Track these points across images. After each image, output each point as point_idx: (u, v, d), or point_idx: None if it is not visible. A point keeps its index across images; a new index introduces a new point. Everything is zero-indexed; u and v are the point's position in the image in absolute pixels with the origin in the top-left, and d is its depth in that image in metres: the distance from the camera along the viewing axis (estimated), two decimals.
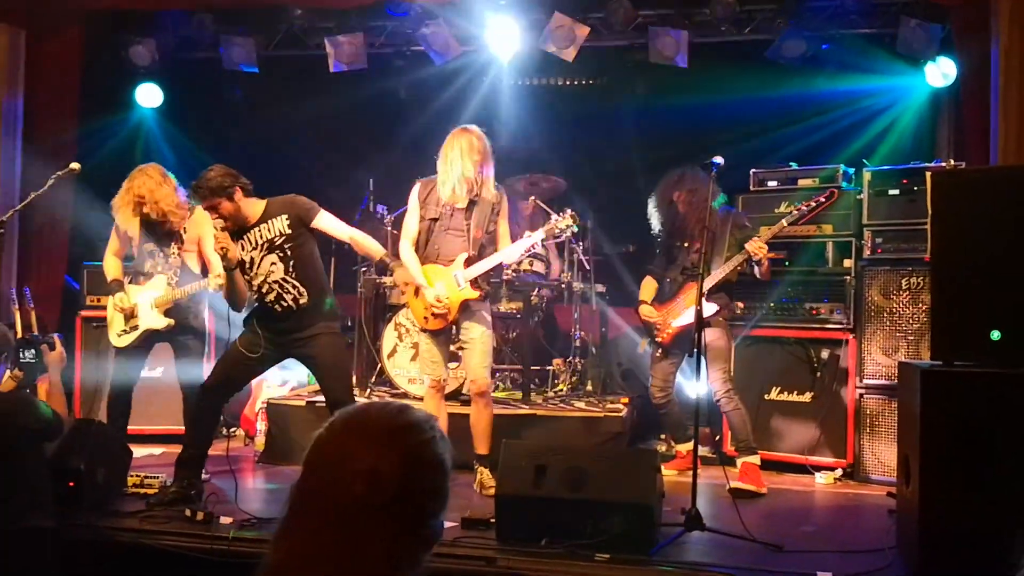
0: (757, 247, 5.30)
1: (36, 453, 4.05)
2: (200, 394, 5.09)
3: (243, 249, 4.95)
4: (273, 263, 4.91)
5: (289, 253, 4.90)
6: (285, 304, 4.92)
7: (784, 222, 5.35)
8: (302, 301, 4.93)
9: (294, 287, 4.91)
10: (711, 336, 5.44)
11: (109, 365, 5.99)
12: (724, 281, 5.56)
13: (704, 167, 5.03)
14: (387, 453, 1.49)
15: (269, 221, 4.94)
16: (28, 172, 7.23)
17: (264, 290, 4.94)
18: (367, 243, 5.08)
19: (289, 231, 4.91)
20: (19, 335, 6.05)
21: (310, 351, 5.00)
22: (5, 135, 7.39)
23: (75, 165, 5.48)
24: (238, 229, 4.95)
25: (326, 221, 5.00)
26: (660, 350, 5.78)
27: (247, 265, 4.96)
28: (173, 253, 5.63)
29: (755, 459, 5.51)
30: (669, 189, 5.70)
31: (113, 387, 5.75)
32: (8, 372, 4.24)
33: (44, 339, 4.48)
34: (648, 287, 5.87)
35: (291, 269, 4.91)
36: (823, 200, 5.32)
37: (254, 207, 4.97)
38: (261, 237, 4.94)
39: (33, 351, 4.42)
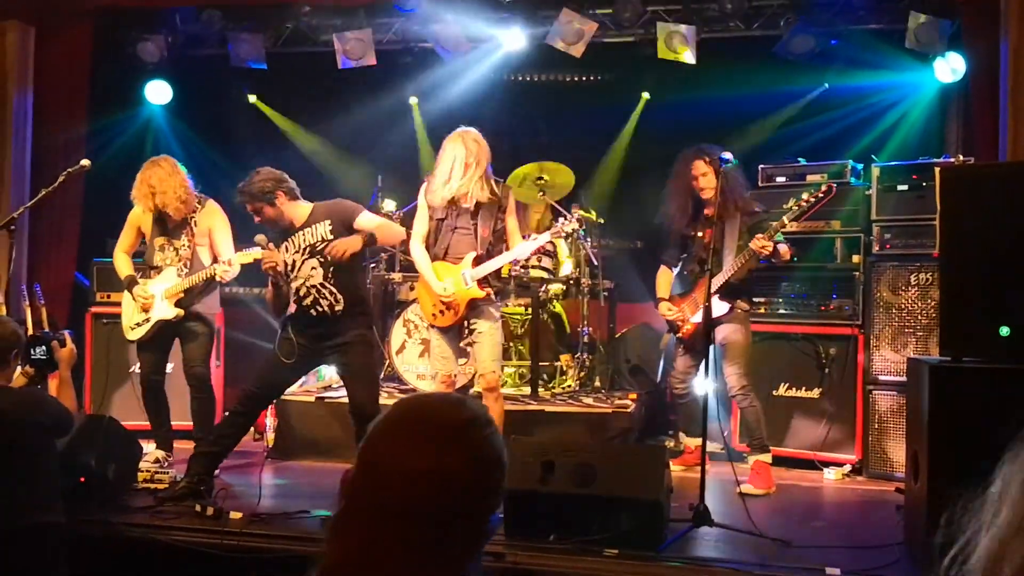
0: (760, 245, 5.25)
1: (47, 449, 4.07)
2: (240, 399, 5.13)
3: (286, 251, 5.02)
4: (313, 267, 4.96)
5: (329, 259, 4.92)
6: (321, 309, 4.97)
7: (785, 219, 5.31)
8: (337, 308, 4.96)
9: (331, 293, 4.95)
10: (729, 332, 5.43)
11: (135, 363, 6.06)
12: (743, 275, 5.49)
13: (713, 163, 5.03)
14: (451, 451, 1.44)
15: (313, 226, 5.01)
16: (38, 169, 7.27)
17: (302, 293, 4.99)
18: (392, 230, 5.19)
19: (331, 236, 4.95)
20: (29, 331, 6.09)
21: (343, 358, 5.06)
22: (15, 132, 7.42)
23: (85, 162, 5.51)
24: (283, 231, 5.02)
25: (366, 219, 5.06)
26: (682, 345, 5.77)
27: (289, 267, 5.02)
28: (184, 246, 5.67)
29: (767, 457, 5.50)
30: (687, 164, 5.56)
31: (144, 385, 5.81)
32: (19, 368, 4.26)
33: (55, 336, 4.49)
34: (663, 279, 5.82)
35: (330, 275, 4.95)
36: (822, 195, 5.26)
37: (299, 210, 5.05)
38: (304, 241, 5.01)
39: (44, 348, 4.43)
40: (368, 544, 1.41)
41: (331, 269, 4.93)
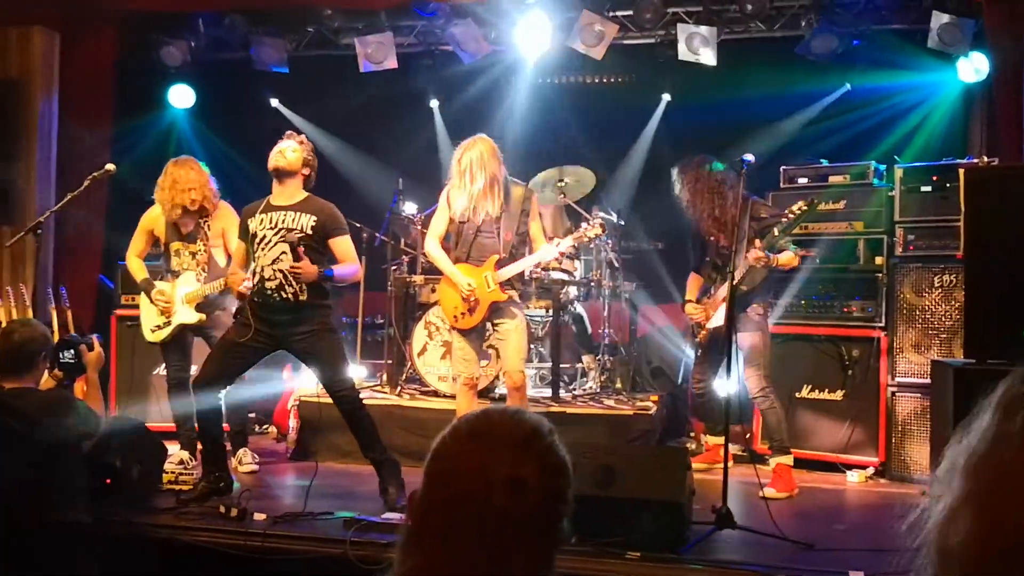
0: (755, 258, 5.17)
1: (74, 450, 4.11)
2: (193, 391, 5.09)
3: (261, 224, 4.96)
4: (284, 252, 4.88)
5: (301, 252, 4.88)
6: (284, 296, 4.91)
7: (776, 230, 5.24)
8: (301, 297, 4.91)
9: (297, 282, 4.90)
10: (745, 337, 5.41)
11: (159, 365, 6.10)
12: (755, 281, 5.45)
13: (734, 165, 5.01)
14: (524, 460, 1.44)
15: (299, 213, 4.96)
16: (63, 173, 7.35)
17: (267, 275, 4.91)
18: (351, 270, 5.08)
19: (310, 232, 4.92)
20: (56, 334, 6.17)
21: (307, 347, 5.00)
22: (40, 136, 7.51)
23: (110, 166, 5.55)
24: (266, 204, 4.99)
25: (343, 246, 5.03)
26: (699, 348, 5.78)
27: (258, 239, 4.96)
28: (199, 249, 5.73)
29: (788, 459, 5.48)
30: (680, 179, 5.66)
31: (169, 385, 5.86)
32: (48, 372, 4.32)
33: (83, 340, 4.54)
34: (693, 285, 5.84)
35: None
36: (805, 208, 5.16)
37: (298, 193, 5.03)
38: (284, 222, 4.94)
39: (73, 351, 4.49)
40: (446, 559, 1.41)
41: (299, 261, 4.85)
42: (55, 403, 4.08)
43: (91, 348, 4.48)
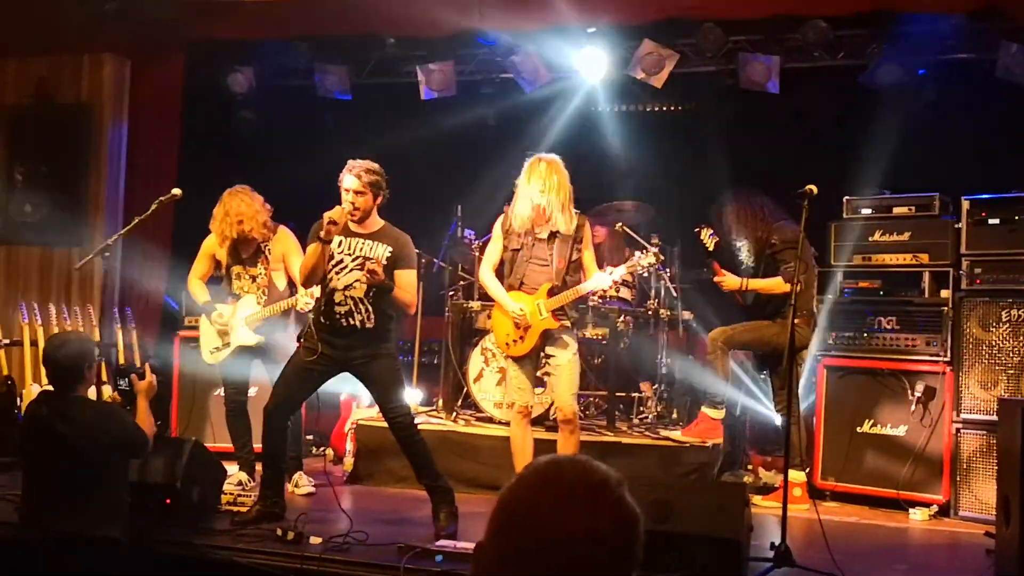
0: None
1: (116, 464, 4.27)
2: (264, 417, 5.13)
3: (339, 246, 5.02)
4: (358, 280, 4.95)
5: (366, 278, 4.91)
6: (352, 322, 4.97)
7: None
8: (368, 324, 4.97)
9: (367, 310, 4.95)
10: None
11: (220, 387, 6.21)
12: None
13: (799, 196, 4.93)
14: (598, 512, 1.42)
15: (376, 242, 5.01)
16: (131, 196, 7.53)
17: (337, 300, 4.96)
18: (409, 300, 5.10)
19: (385, 263, 4.97)
20: (121, 355, 6.32)
21: (368, 371, 5.05)
22: (110, 161, 7.72)
23: (176, 191, 5.64)
24: (346, 227, 5.01)
25: (407, 279, 5.06)
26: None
27: (333, 262, 5.01)
28: (260, 273, 5.83)
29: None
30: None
31: (227, 406, 5.95)
32: (110, 391, 4.49)
33: (136, 369, 4.71)
34: None
35: (371, 293, 4.96)
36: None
37: (376, 220, 5.08)
38: (360, 250, 5.00)
39: (126, 380, 4.69)
40: None
41: (374, 289, 4.91)
42: (103, 413, 4.32)
43: (142, 377, 4.63)
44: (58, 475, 4.08)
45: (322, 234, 4.85)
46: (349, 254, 5.01)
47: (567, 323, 5.27)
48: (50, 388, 4.30)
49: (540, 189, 5.11)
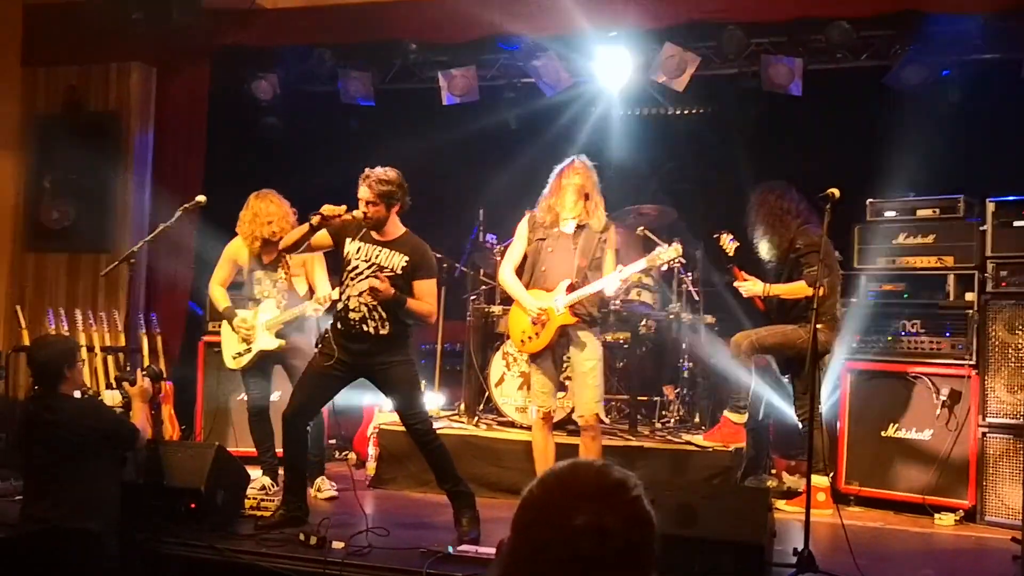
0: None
1: (103, 458, 4.45)
2: (283, 423, 5.18)
3: (357, 252, 5.03)
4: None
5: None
6: (366, 328, 4.98)
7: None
8: (383, 331, 4.98)
9: (381, 317, 4.96)
10: None
11: (240, 391, 6.28)
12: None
13: (821, 199, 4.91)
14: (609, 510, 1.47)
15: (394, 251, 5.01)
16: (156, 203, 7.60)
17: (352, 306, 4.98)
18: (427, 311, 5.05)
19: (400, 272, 4.98)
20: (145, 359, 6.41)
21: (386, 377, 5.08)
22: (137, 168, 7.79)
23: (201, 198, 5.70)
24: (365, 233, 5.03)
25: (425, 289, 5.04)
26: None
27: (349, 268, 5.03)
28: (281, 278, 5.87)
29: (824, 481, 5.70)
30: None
31: (249, 411, 6.00)
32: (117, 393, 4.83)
33: (127, 376, 5.05)
34: None
35: (384, 301, 4.95)
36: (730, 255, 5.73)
37: (395, 228, 5.06)
38: (377, 258, 5.01)
39: (121, 388, 5.02)
40: None
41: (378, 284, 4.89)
42: (86, 408, 4.73)
43: (133, 383, 4.88)
44: (43, 467, 4.33)
45: (312, 219, 4.92)
46: (366, 261, 5.01)
47: (586, 320, 5.23)
48: (37, 388, 4.58)
49: (584, 179, 5.21)
